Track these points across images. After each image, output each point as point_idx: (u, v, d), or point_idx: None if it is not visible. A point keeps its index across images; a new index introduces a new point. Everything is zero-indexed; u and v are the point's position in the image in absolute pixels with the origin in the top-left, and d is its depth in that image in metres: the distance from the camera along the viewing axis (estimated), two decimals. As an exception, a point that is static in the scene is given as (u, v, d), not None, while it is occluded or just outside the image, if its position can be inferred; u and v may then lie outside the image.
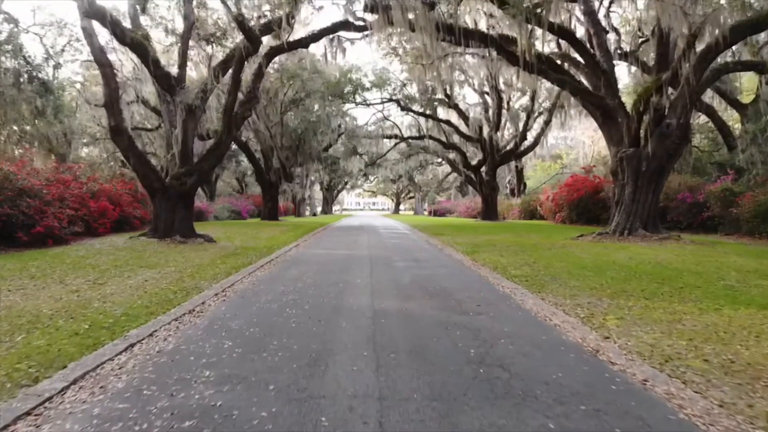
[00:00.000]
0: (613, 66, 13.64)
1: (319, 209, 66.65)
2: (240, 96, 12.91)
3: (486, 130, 23.45)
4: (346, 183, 65.60)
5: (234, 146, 27.41)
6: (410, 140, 26.55)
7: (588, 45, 13.56)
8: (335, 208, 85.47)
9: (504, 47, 12.00)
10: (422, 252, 10.55)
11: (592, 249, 10.28)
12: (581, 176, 21.19)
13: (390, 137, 27.12)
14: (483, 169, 24.31)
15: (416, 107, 23.36)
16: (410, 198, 75.19)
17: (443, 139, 24.80)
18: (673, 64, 11.30)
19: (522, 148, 24.28)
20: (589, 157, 33.45)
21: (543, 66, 12.24)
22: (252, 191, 45.83)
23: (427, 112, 22.93)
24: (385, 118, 25.96)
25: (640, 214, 12.28)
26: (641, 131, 12.53)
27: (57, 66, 18.43)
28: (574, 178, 20.83)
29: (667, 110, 12.21)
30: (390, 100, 22.86)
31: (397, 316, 4.63)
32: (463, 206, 36.39)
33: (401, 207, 78.69)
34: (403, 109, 22.76)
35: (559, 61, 14.12)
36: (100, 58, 11.12)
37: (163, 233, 11.77)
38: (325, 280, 6.59)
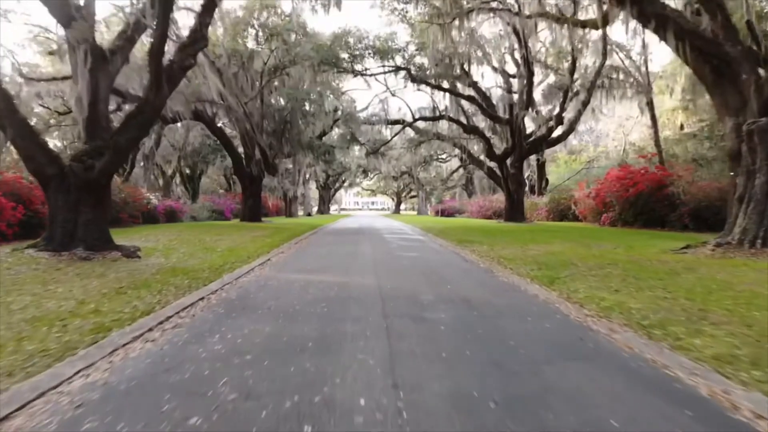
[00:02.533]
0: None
1: (315, 209, 62.78)
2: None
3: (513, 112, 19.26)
4: (343, 181, 61.59)
5: (210, 136, 23.19)
6: (423, 121, 21.94)
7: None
8: (333, 207, 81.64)
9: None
10: (464, 278, 6.46)
11: (748, 274, 6.22)
12: (633, 167, 17.14)
13: (396, 123, 22.84)
14: (508, 160, 20.17)
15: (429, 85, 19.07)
16: (412, 197, 71.12)
17: (463, 120, 20.52)
18: None
19: (555, 135, 20.14)
20: (621, 150, 29.43)
21: (636, -7, 8.16)
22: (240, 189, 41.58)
23: (444, 84, 18.59)
24: (392, 94, 21.66)
25: (780, 216, 8.20)
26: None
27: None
28: (628, 170, 16.75)
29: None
30: (398, 69, 18.43)
31: None
32: (475, 205, 32.23)
33: (401, 206, 74.56)
34: (414, 80, 18.39)
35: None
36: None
37: (59, 243, 7.67)
38: (273, 396, 2.47)
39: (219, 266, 7.19)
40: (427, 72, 17.60)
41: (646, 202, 15.35)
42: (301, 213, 48.92)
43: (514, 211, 20.34)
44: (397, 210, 70.40)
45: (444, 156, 55.40)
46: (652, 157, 18.16)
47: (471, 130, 20.72)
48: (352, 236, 14.41)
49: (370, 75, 18.75)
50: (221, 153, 33.98)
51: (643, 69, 23.48)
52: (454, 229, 17.31)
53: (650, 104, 23.66)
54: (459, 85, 19.30)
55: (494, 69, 22.43)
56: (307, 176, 47.96)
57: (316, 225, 20.69)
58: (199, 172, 39.94)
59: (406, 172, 52.41)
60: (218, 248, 9.59)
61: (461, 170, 56.01)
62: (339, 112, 21.26)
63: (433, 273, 6.75)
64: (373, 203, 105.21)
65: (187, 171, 39.83)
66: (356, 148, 49.96)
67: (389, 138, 24.19)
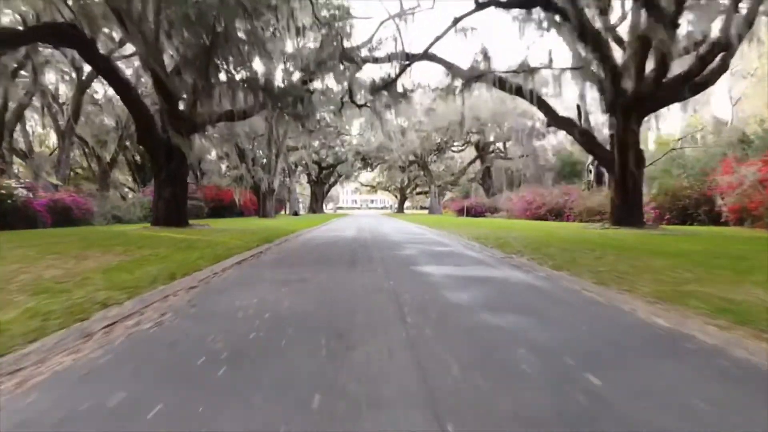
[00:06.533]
0: None
1: (306, 208, 54.35)
2: None
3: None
4: (339, 175, 52.78)
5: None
6: (497, 7, 12.36)
7: None
8: (328, 206, 73.17)
9: None
10: None
11: None
12: None
13: (420, 57, 13.91)
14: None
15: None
16: (418, 194, 62.41)
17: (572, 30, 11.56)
18: None
19: (705, 72, 11.30)
20: (728, 122, 20.92)
21: None
22: (211, 181, 32.79)
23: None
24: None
25: None
26: None
27: None
28: None
29: None
30: None
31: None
32: (519, 202, 23.58)
33: (405, 205, 65.59)
34: None
35: None
36: None
37: None
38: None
39: None
40: None
41: None
42: (284, 212, 40.36)
43: (630, 209, 11.69)
44: (400, 209, 61.43)
45: (459, 146, 46.96)
46: None
47: (591, 38, 11.74)
48: (339, 272, 5.74)
49: None
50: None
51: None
52: (541, 242, 8.68)
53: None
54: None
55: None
56: (294, 167, 39.40)
57: (282, 232, 11.94)
58: (154, 160, 31.30)
59: (415, 161, 43.83)
60: None
61: (477, 163, 47.69)
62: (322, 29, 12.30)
63: None
64: (372, 201, 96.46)
65: (137, 158, 31.20)
66: (353, 132, 41.14)
67: (408, 63, 14.48)
